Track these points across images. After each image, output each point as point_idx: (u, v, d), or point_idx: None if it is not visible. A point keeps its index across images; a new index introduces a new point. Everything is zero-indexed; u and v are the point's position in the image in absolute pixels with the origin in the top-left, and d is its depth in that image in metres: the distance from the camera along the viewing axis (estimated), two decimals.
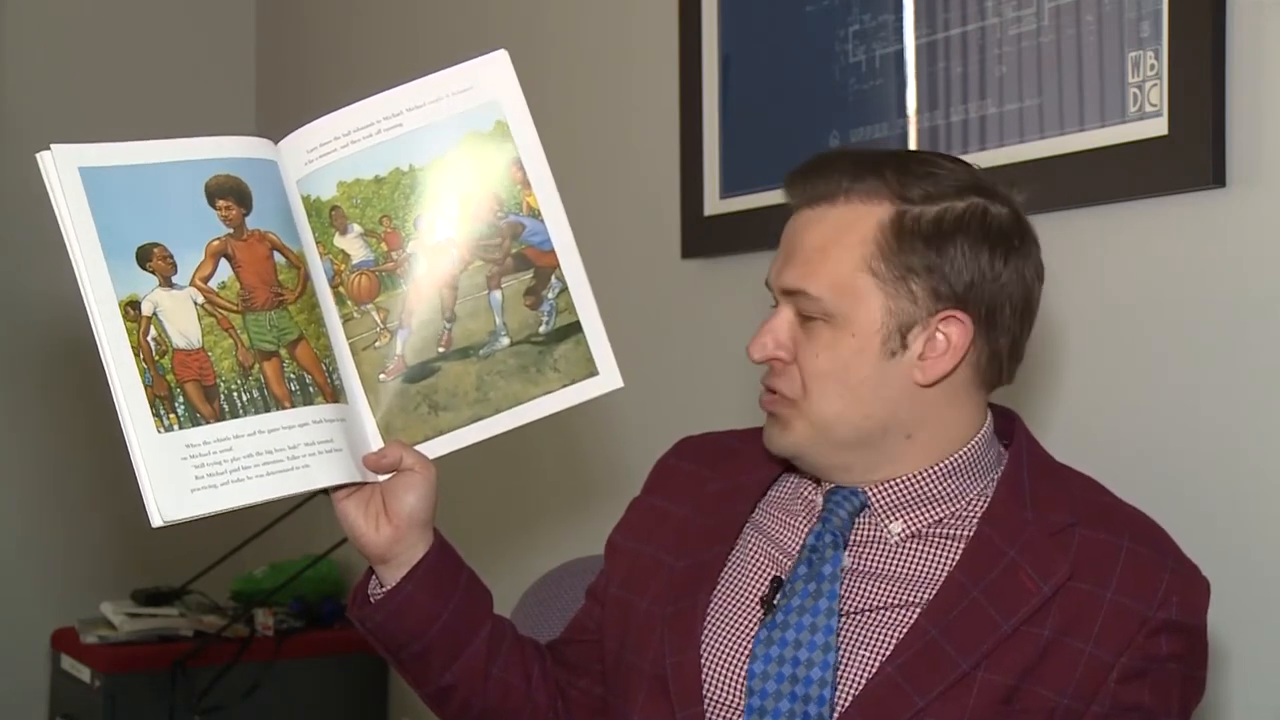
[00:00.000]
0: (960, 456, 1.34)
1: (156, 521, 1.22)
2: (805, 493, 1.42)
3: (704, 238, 2.29)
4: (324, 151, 1.33)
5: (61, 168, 1.24)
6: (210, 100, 3.60)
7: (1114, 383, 1.72)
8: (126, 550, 3.38)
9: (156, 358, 1.24)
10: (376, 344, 1.34)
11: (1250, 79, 1.57)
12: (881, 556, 1.34)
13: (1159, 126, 1.63)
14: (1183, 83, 1.60)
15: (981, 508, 1.34)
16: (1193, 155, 1.60)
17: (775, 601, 1.33)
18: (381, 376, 1.34)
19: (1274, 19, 1.55)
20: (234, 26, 3.70)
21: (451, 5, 2.99)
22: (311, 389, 1.29)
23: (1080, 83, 1.71)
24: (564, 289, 1.36)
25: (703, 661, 1.34)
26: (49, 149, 1.24)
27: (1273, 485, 1.56)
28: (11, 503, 3.36)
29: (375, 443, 1.34)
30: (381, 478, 1.33)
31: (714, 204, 2.25)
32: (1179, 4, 1.60)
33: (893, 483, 1.34)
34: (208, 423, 1.24)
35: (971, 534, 1.32)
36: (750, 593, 1.37)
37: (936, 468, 1.34)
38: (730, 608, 1.37)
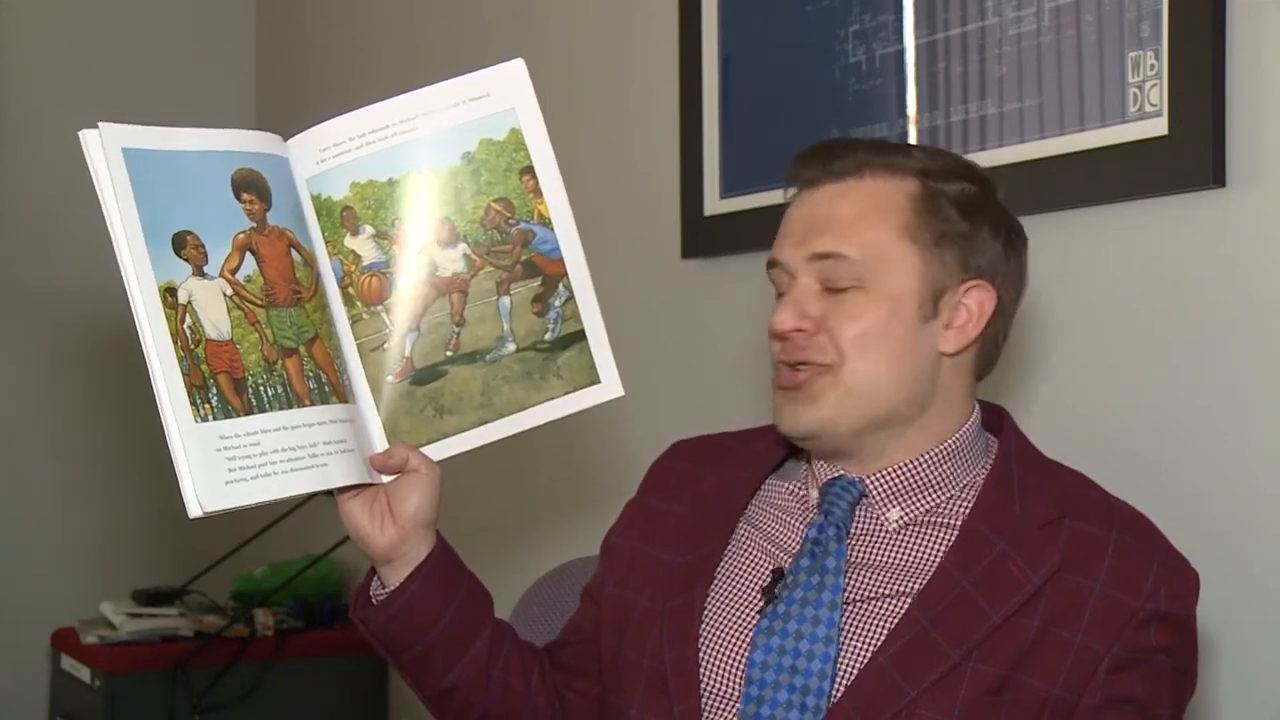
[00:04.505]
0: (952, 443, 1.37)
1: (195, 511, 1.20)
2: (798, 489, 1.43)
3: (704, 238, 2.29)
4: (337, 152, 1.33)
5: (108, 147, 1.21)
6: (211, 99, 3.59)
7: (1114, 383, 1.72)
8: (126, 550, 3.38)
9: (192, 346, 1.23)
10: (385, 346, 1.34)
11: (1250, 79, 1.57)
12: (879, 546, 1.35)
13: (1159, 126, 1.63)
14: (1183, 83, 1.60)
15: (971, 498, 1.36)
16: (1193, 155, 1.60)
17: (777, 592, 1.33)
18: (389, 378, 1.34)
19: (1274, 19, 1.55)
20: (234, 25, 3.70)
21: (452, 5, 2.99)
22: (327, 388, 1.29)
23: (1080, 83, 1.72)
24: (570, 297, 1.37)
25: (701, 655, 1.35)
26: (96, 127, 1.22)
27: (1269, 484, 1.57)
28: (12, 503, 3.36)
29: (380, 444, 1.34)
30: (387, 478, 1.34)
31: (714, 204, 2.25)
32: (1179, 4, 1.61)
33: (889, 470, 1.36)
34: (238, 415, 1.23)
35: (961, 523, 1.33)
36: (748, 587, 1.38)
37: (931, 453, 1.36)
38: (728, 602, 1.38)
